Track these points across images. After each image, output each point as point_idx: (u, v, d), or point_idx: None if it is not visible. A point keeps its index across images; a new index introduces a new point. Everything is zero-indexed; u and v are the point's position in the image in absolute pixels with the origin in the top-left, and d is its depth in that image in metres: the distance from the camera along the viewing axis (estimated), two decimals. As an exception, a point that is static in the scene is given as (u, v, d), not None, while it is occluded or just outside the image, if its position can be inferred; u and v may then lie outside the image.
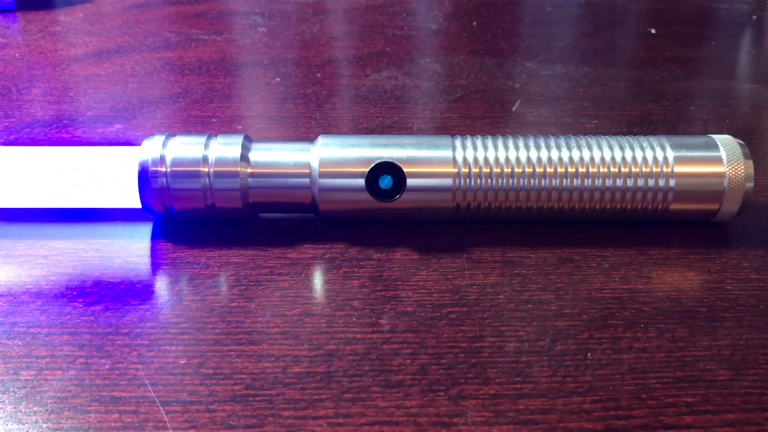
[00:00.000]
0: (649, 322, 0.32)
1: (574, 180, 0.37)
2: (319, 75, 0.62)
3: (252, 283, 0.34)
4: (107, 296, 0.33)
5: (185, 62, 0.64)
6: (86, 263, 0.36)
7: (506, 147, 0.37)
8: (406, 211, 0.37)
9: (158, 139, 0.37)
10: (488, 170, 0.37)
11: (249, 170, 0.37)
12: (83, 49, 0.68)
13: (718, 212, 0.37)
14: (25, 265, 0.36)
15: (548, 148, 0.37)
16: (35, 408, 0.27)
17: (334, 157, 0.37)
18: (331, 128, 0.51)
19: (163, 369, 0.29)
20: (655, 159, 0.37)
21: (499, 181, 0.37)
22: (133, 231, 0.38)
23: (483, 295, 0.34)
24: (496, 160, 0.37)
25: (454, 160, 0.37)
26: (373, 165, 0.36)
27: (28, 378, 0.29)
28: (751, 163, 0.37)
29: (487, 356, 0.30)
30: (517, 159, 0.37)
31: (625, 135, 0.38)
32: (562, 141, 0.38)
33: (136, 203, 0.38)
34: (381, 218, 0.38)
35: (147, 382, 0.28)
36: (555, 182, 0.37)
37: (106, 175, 0.38)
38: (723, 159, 0.37)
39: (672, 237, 0.38)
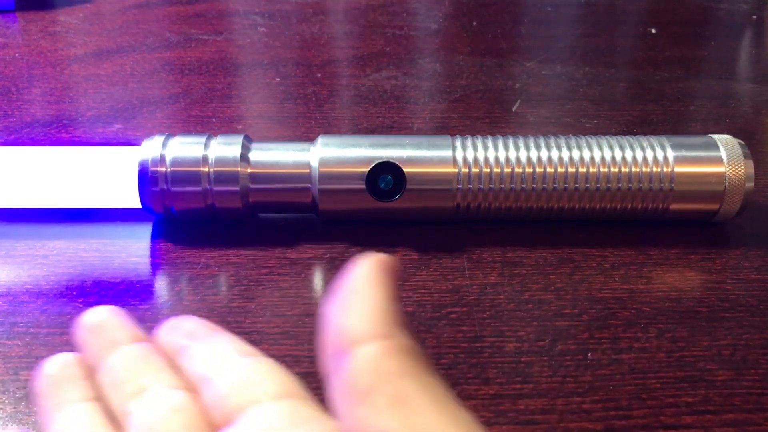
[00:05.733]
0: (649, 322, 0.32)
1: (574, 180, 0.37)
2: (319, 75, 0.62)
3: (252, 283, 0.34)
4: (107, 296, 0.33)
5: (185, 62, 0.64)
6: (86, 263, 0.36)
7: (506, 147, 0.37)
8: (406, 211, 0.37)
9: (158, 139, 0.37)
10: (488, 170, 0.37)
11: (249, 170, 0.37)
12: (83, 49, 0.68)
13: (718, 212, 0.37)
14: (25, 265, 0.36)
15: (548, 148, 0.37)
16: (35, 408, 0.27)
17: (334, 157, 0.37)
18: (331, 128, 0.51)
19: (163, 369, 0.29)
20: (655, 159, 0.37)
21: (499, 181, 0.37)
22: (133, 231, 0.38)
23: (483, 295, 0.34)
24: (496, 160, 0.37)
25: (454, 160, 0.37)
26: (373, 165, 0.36)
27: (28, 378, 0.29)
28: (751, 163, 0.37)
29: (487, 356, 0.30)
30: (517, 159, 0.37)
31: (625, 135, 0.38)
32: (562, 141, 0.38)
33: (136, 203, 0.38)
34: (381, 218, 0.38)
35: (147, 382, 0.28)
36: (555, 182, 0.37)
37: (106, 175, 0.38)
38: (723, 159, 0.37)
39: (672, 237, 0.38)
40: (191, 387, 0.21)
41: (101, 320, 0.23)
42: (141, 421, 0.20)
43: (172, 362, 0.22)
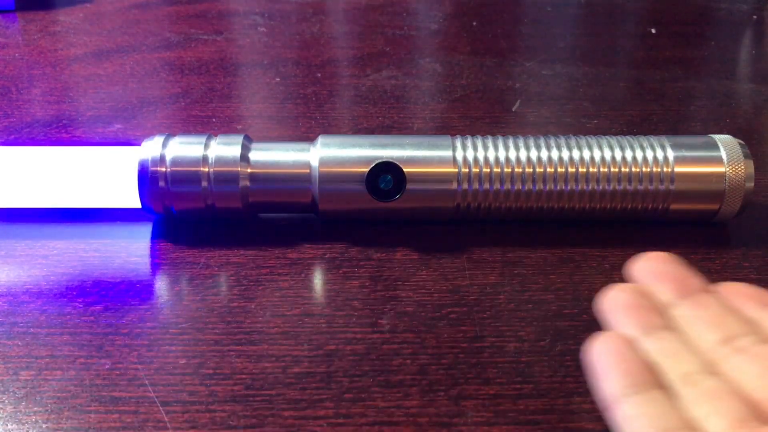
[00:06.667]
0: (649, 322, 0.32)
1: (574, 180, 0.37)
2: (319, 75, 0.62)
3: (252, 283, 0.34)
4: (107, 296, 0.33)
5: (185, 62, 0.64)
6: (86, 263, 0.36)
7: (506, 147, 0.37)
8: (406, 211, 0.37)
9: (158, 139, 0.37)
10: (488, 170, 0.37)
11: (249, 170, 0.37)
12: (83, 49, 0.68)
13: (718, 212, 0.37)
14: (25, 265, 0.36)
15: (548, 148, 0.37)
16: (35, 408, 0.27)
17: (334, 157, 0.37)
18: (331, 128, 0.51)
19: (163, 369, 0.29)
20: (655, 159, 0.37)
21: (499, 180, 0.37)
22: (133, 231, 0.38)
23: (483, 295, 0.34)
24: (496, 160, 0.37)
25: (454, 160, 0.37)
26: (373, 165, 0.36)
27: (28, 378, 0.29)
28: (751, 163, 0.37)
29: (487, 356, 0.30)
30: (517, 159, 0.37)
31: (625, 135, 0.38)
32: (562, 141, 0.38)
33: (136, 203, 0.38)
34: (381, 218, 0.38)
35: (147, 382, 0.28)
36: (555, 182, 0.37)
37: (106, 175, 0.38)
38: (723, 159, 0.37)
39: (672, 237, 0.38)
40: None
41: (667, 268, 0.25)
42: (744, 369, 0.20)
43: (749, 319, 0.22)
